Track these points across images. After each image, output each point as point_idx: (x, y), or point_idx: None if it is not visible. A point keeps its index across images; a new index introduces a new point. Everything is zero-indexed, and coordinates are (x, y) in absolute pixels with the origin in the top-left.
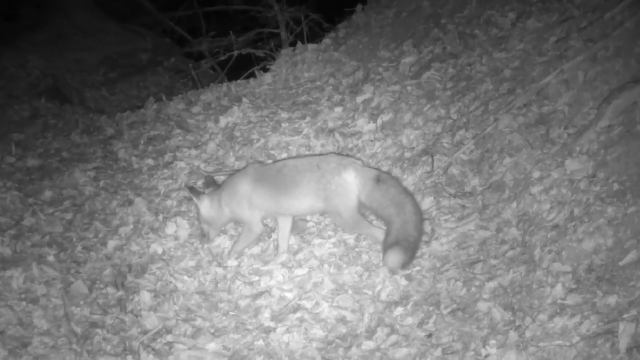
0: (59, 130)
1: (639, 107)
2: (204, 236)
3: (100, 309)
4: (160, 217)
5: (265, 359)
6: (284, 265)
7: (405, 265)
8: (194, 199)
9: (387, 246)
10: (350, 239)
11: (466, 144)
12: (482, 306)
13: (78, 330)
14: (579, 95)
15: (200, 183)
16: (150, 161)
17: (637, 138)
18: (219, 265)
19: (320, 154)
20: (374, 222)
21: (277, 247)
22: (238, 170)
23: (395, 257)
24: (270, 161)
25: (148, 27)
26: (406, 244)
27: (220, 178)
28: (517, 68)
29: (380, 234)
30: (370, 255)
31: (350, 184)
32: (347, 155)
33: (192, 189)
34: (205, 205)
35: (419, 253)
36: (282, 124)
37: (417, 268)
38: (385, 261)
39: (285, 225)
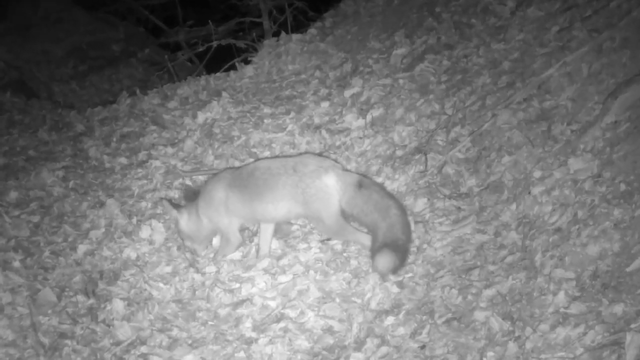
0: (25, 126)
1: None
2: (191, 253)
3: (69, 318)
4: (134, 219)
5: None
6: (266, 272)
7: (396, 269)
8: (172, 213)
9: (375, 250)
10: (338, 243)
11: (462, 142)
12: (479, 315)
13: (46, 341)
14: (583, 89)
15: (177, 196)
16: (123, 160)
17: None
18: (197, 271)
19: (296, 155)
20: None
21: (258, 251)
22: (214, 176)
23: (385, 260)
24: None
25: (121, 16)
26: (395, 247)
27: (199, 178)
28: (516, 60)
29: (367, 240)
30: (359, 261)
31: (332, 188)
32: (325, 157)
33: (170, 202)
34: (184, 219)
35: (411, 259)
36: (265, 120)
37: (410, 275)
38: (375, 266)
39: (267, 228)
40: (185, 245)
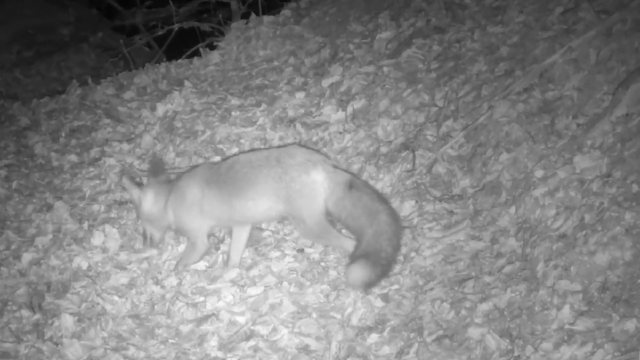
0: None
1: None
2: (146, 239)
3: (12, 335)
4: (85, 225)
5: None
6: (234, 283)
7: (370, 285)
8: (134, 191)
9: (352, 258)
10: (315, 252)
11: (454, 137)
12: (474, 332)
13: None
14: (591, 77)
15: (144, 167)
16: (73, 157)
17: None
18: (156, 283)
19: (280, 146)
20: (344, 231)
21: (227, 260)
22: (190, 170)
23: (358, 272)
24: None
25: None
26: (375, 259)
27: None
28: (516, 45)
29: (350, 246)
30: (338, 271)
31: (319, 185)
32: (315, 150)
33: (131, 180)
34: (149, 200)
35: (397, 268)
36: (233, 113)
37: (396, 287)
38: (346, 276)
39: (240, 234)
40: (142, 227)
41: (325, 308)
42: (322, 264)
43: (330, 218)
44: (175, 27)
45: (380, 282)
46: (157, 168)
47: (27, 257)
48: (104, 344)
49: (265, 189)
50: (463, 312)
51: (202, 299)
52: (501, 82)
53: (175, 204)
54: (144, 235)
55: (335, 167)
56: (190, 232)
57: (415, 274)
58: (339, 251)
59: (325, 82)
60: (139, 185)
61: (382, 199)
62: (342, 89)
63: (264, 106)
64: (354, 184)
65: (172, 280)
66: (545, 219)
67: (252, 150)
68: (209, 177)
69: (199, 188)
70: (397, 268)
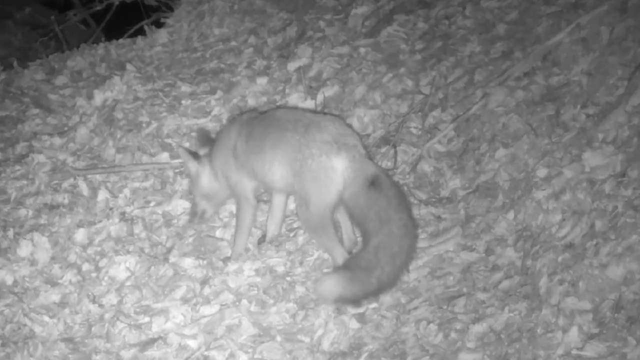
0: None
1: None
2: (195, 214)
3: None
4: (10, 233)
5: None
6: (185, 301)
7: (343, 301)
8: (191, 163)
9: (336, 268)
10: (279, 264)
11: (443, 130)
12: (466, 358)
13: None
14: (602, 60)
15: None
16: None
17: None
18: (93, 301)
19: (320, 113)
20: (347, 236)
21: (264, 235)
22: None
23: (333, 285)
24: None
25: None
26: (363, 277)
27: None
28: (515, 22)
29: (341, 258)
30: (307, 287)
31: (337, 174)
32: (351, 132)
33: (188, 151)
34: (206, 173)
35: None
36: (183, 102)
37: (374, 305)
38: (318, 284)
39: (275, 202)
40: (195, 202)
41: (291, 330)
42: (288, 278)
43: (346, 210)
44: (116, 0)
45: (360, 302)
46: (205, 138)
47: None
48: None
49: (282, 154)
50: (453, 334)
51: (147, 319)
52: (497, 66)
53: (217, 160)
54: (194, 211)
55: (364, 156)
56: (234, 188)
57: (397, 290)
58: (326, 254)
59: (292, 66)
60: (197, 157)
61: (402, 206)
62: (312, 73)
63: (219, 94)
64: (377, 181)
65: (112, 298)
66: (549, 225)
67: (292, 108)
68: (242, 128)
69: (233, 139)
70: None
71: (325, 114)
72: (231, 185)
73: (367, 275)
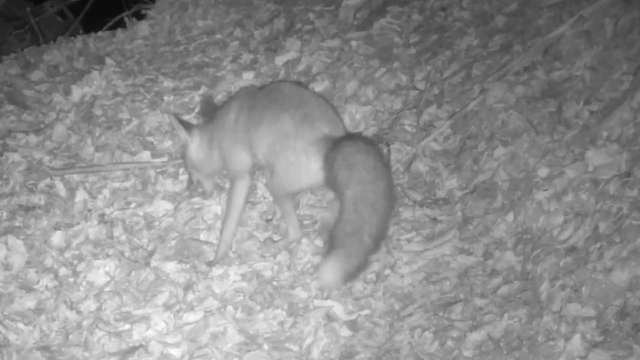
0: None
1: None
2: (194, 188)
3: None
4: None
5: None
6: (167, 308)
7: (351, 277)
8: (181, 133)
9: (327, 250)
10: (266, 268)
11: (439, 127)
12: None
13: None
14: (606, 54)
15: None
16: None
17: None
18: (71, 307)
19: (323, 102)
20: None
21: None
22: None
23: (332, 270)
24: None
25: None
26: (356, 243)
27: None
28: (514, 13)
29: (294, 236)
30: (297, 292)
31: (311, 173)
32: (360, 136)
33: (179, 120)
34: (195, 144)
35: (367, 290)
36: (165, 97)
37: (366, 312)
38: (318, 277)
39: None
40: (191, 176)
41: (279, 338)
42: (275, 283)
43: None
44: None
45: (366, 265)
46: (208, 107)
47: None
48: None
49: (270, 132)
50: (449, 343)
51: (127, 326)
52: (496, 60)
53: (216, 132)
54: (190, 180)
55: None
56: (230, 162)
57: (391, 296)
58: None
59: (280, 60)
60: (188, 127)
61: (369, 149)
62: (300, 67)
63: (203, 89)
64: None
65: (90, 304)
66: (551, 228)
67: (298, 85)
68: (244, 100)
69: (235, 111)
70: (368, 289)
71: (325, 102)
72: (227, 159)
73: (358, 239)
